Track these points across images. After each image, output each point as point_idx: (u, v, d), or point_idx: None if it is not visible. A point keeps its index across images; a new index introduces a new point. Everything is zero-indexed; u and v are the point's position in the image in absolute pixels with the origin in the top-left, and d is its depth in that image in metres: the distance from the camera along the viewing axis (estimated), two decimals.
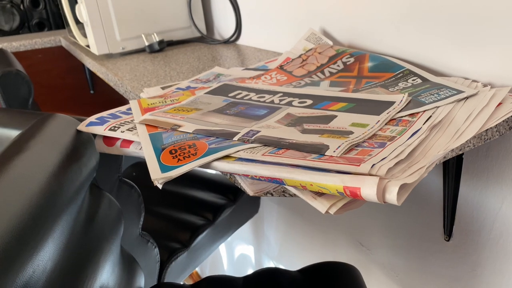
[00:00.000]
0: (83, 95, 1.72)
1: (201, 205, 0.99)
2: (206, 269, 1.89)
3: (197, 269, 1.92)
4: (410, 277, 0.79)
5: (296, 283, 0.70)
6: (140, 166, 1.20)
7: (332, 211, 0.36)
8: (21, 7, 3.04)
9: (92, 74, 1.73)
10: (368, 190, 0.33)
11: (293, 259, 1.21)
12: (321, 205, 0.36)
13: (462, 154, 0.60)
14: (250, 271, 1.51)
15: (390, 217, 0.79)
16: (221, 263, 1.73)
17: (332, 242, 0.99)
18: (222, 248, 1.64)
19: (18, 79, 1.12)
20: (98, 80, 1.75)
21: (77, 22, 1.17)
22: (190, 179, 1.10)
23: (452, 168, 0.62)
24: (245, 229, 1.44)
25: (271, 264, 1.34)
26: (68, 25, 1.31)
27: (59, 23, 3.16)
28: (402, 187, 0.34)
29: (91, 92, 1.73)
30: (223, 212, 0.98)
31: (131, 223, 0.75)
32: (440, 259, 0.71)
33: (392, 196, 0.33)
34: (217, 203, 1.00)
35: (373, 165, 0.36)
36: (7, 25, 3.02)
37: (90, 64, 1.12)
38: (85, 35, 1.13)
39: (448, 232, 0.67)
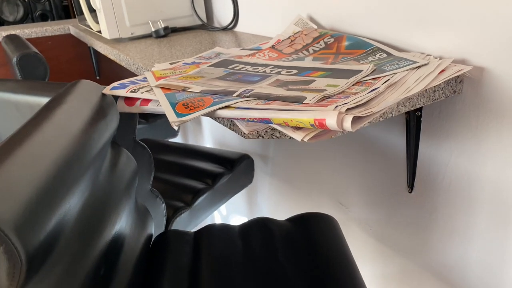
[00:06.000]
0: (89, 80, 1.84)
1: (202, 173, 1.12)
2: None
3: None
4: (381, 229, 0.92)
5: (284, 228, 0.83)
6: (147, 141, 1.32)
7: (306, 139, 0.49)
8: None
9: (98, 60, 1.85)
10: (331, 120, 0.46)
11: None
12: (298, 136, 0.49)
13: (421, 116, 0.73)
14: None
15: (365, 177, 0.92)
16: None
17: (317, 204, 1.12)
18: (218, 220, 1.77)
19: (35, 60, 1.24)
20: (103, 66, 1.87)
21: (90, 10, 1.29)
22: (192, 152, 1.22)
23: (413, 129, 0.75)
24: (240, 201, 1.57)
25: None
26: (81, 14, 1.42)
27: (62, 14, 3.27)
28: (356, 119, 0.47)
29: (97, 77, 1.84)
30: (221, 179, 1.11)
31: (143, 179, 0.87)
32: (405, 209, 0.84)
33: (347, 124, 0.46)
34: (216, 171, 1.12)
35: (337, 106, 0.49)
36: (12, 16, 3.12)
37: (102, 48, 1.24)
38: (97, 22, 1.25)
39: (411, 184, 0.80)
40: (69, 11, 3.23)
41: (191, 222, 1.03)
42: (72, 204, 0.52)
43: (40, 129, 0.54)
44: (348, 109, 0.49)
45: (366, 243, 0.98)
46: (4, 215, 0.39)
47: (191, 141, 1.83)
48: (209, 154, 1.22)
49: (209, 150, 1.24)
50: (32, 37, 1.68)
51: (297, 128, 0.51)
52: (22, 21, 3.15)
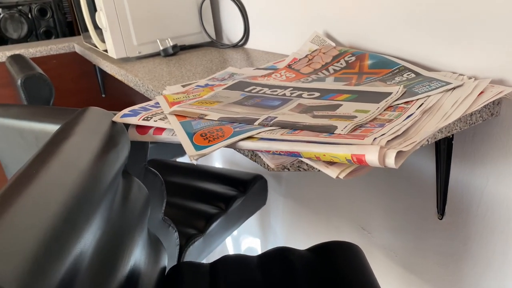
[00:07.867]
0: (95, 98, 1.80)
1: (214, 196, 1.07)
2: None
3: None
4: (408, 256, 0.86)
5: (305, 260, 0.77)
6: (156, 162, 1.27)
7: (341, 176, 0.44)
8: (29, 15, 3.13)
9: (103, 78, 1.81)
10: (371, 156, 0.41)
11: (298, 246, 1.29)
12: (332, 172, 0.44)
13: (452, 139, 0.68)
14: None
15: (389, 201, 0.87)
16: None
17: (336, 228, 1.07)
18: (229, 242, 1.71)
19: (40, 82, 1.20)
20: (109, 84, 1.83)
21: (95, 28, 1.26)
22: (203, 173, 1.18)
23: (443, 152, 0.70)
24: (252, 223, 1.51)
25: None
26: (86, 31, 1.39)
27: (66, 31, 3.26)
28: (399, 154, 0.42)
29: (103, 95, 1.81)
30: (234, 202, 1.06)
31: (155, 208, 0.83)
32: (434, 237, 0.79)
33: (390, 160, 0.41)
34: (228, 194, 1.07)
35: (375, 138, 0.44)
36: (16, 34, 3.11)
37: (108, 68, 1.20)
38: (103, 40, 1.21)
39: (441, 211, 0.74)
40: (73, 28, 3.22)
41: (204, 250, 0.97)
42: (84, 249, 0.48)
43: (46, 168, 0.50)
44: (387, 141, 0.44)
45: (391, 270, 0.92)
46: (7, 276, 0.34)
47: (200, 160, 1.79)
48: (220, 175, 1.17)
49: (220, 171, 1.19)
50: (37, 56, 1.65)
51: (330, 163, 0.46)
52: (26, 38, 3.13)
